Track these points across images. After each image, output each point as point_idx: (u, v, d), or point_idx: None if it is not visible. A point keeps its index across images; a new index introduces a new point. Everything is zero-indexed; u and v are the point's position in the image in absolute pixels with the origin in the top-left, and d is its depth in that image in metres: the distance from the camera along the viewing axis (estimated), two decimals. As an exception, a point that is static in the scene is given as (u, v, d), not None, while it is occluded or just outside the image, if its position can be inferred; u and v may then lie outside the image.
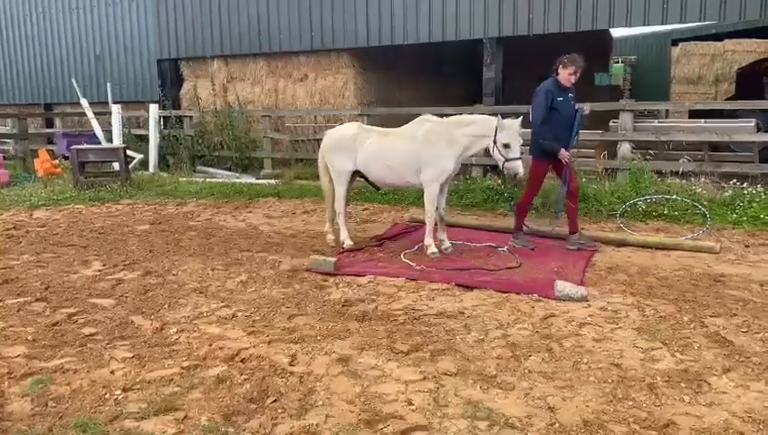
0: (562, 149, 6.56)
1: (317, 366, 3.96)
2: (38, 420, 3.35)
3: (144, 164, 14.04)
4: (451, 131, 6.48)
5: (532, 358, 4.05)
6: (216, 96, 15.04)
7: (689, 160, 9.74)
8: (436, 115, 6.91)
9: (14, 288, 5.74)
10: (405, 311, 4.97)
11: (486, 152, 6.59)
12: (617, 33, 21.89)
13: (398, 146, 6.71)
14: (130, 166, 12.74)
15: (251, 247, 7.26)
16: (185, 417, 3.36)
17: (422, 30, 12.11)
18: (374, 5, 12.57)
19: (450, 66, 15.85)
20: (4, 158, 13.55)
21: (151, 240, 7.69)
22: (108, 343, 4.41)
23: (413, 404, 3.45)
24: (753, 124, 9.57)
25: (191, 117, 14.68)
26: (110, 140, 13.89)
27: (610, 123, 10.56)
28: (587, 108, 6.84)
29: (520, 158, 6.25)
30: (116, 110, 13.94)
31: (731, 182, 8.78)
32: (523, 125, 6.45)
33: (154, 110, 14.31)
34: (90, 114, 14.20)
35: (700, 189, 8.62)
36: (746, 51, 18.84)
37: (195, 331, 4.64)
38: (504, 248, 6.82)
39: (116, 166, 11.98)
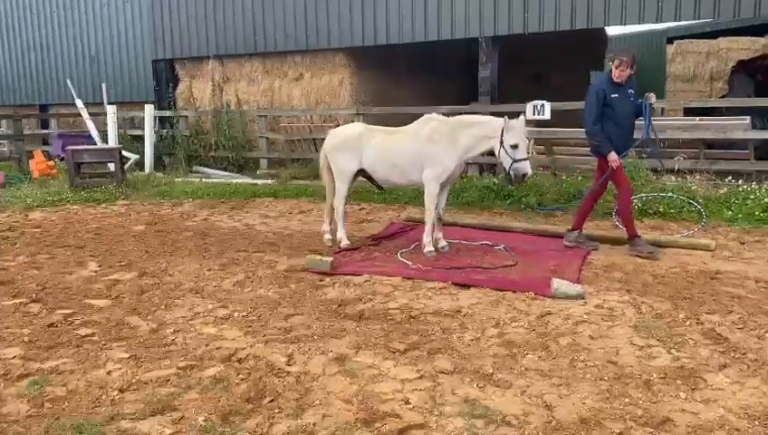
0: (612, 153, 6.35)
1: (314, 366, 3.96)
2: (34, 421, 3.34)
3: (140, 164, 14.02)
4: (455, 131, 6.45)
5: (528, 356, 4.06)
6: (212, 96, 15.03)
7: (685, 158, 9.77)
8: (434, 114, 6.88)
9: (10, 289, 5.72)
10: (401, 310, 4.97)
11: (490, 153, 6.55)
12: (612, 31, 21.90)
13: (402, 145, 6.69)
14: (126, 166, 12.72)
15: (247, 247, 7.25)
16: (182, 417, 3.35)
17: (417, 29, 12.12)
18: (369, 5, 12.56)
19: (446, 65, 15.85)
20: (-1, 159, 13.54)
21: (147, 241, 7.68)
22: (104, 344, 4.40)
23: (410, 403, 3.45)
24: (747, 122, 9.60)
25: (187, 117, 14.66)
26: (105, 140, 13.86)
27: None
28: (653, 96, 6.51)
29: (527, 158, 6.21)
30: (111, 110, 13.91)
31: (726, 179, 8.81)
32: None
33: (149, 110, 14.29)
34: (85, 115, 14.17)
35: (695, 187, 8.65)
36: (741, 48, 18.88)
37: (191, 331, 4.64)
38: (501, 247, 6.83)
39: (111, 166, 11.95)
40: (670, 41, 21.66)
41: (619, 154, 6.40)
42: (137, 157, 13.91)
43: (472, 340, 4.35)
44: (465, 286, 5.54)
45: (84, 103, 14.47)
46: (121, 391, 3.67)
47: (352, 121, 12.55)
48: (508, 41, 11.84)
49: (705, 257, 6.41)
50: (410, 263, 6.32)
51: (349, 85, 13.63)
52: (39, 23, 18.35)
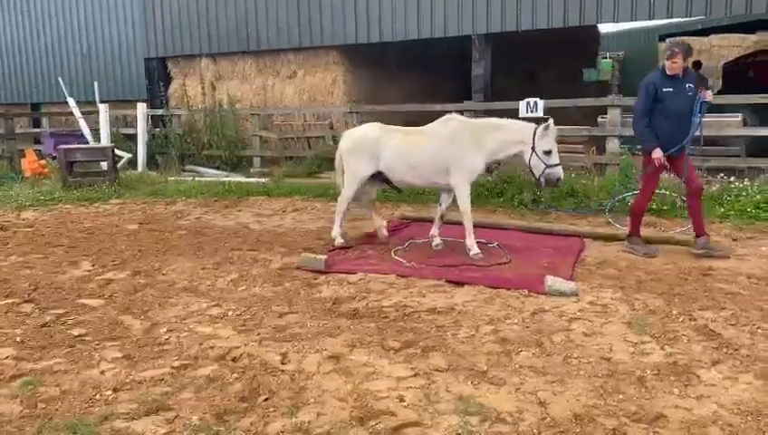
0: (656, 150, 6.10)
1: (308, 364, 3.95)
2: (27, 421, 3.32)
3: (132, 163, 13.96)
4: (479, 133, 6.31)
5: (522, 353, 4.07)
6: (205, 94, 14.99)
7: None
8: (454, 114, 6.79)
9: (2, 289, 5.69)
10: (396, 308, 4.97)
11: (513, 157, 6.40)
12: (604, 28, 21.98)
13: (421, 145, 6.51)
14: (119, 165, 12.66)
15: (241, 246, 7.23)
16: (176, 417, 3.34)
17: (410, 27, 12.12)
18: (362, 2, 12.56)
19: (439, 63, 15.87)
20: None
21: (141, 240, 7.65)
22: (97, 344, 4.39)
23: (405, 401, 3.45)
24: (739, 119, 9.64)
25: (179, 115, 14.62)
26: (97, 139, 13.80)
27: (599, 119, 10.62)
28: (709, 94, 6.18)
29: (560, 163, 6.15)
30: (103, 109, 13.85)
31: (718, 176, 8.85)
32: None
33: (142, 108, 14.24)
34: (77, 113, 14.10)
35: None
36: (732, 46, 18.97)
37: (185, 330, 4.63)
38: (494, 244, 6.83)
39: (104, 165, 11.91)
40: (662, 38, 21.75)
41: (666, 151, 6.12)
42: (129, 156, 13.86)
43: (466, 337, 4.35)
44: (460, 284, 5.54)
45: (76, 102, 14.40)
46: (115, 390, 3.65)
47: (345, 120, 12.63)
48: (501, 38, 11.86)
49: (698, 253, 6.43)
50: (404, 261, 6.32)
51: (342, 83, 13.62)
52: (30, 21, 18.24)
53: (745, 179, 8.72)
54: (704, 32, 20.03)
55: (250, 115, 13.84)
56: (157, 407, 3.43)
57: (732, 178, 8.77)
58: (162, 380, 3.79)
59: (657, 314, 4.71)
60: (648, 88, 6.13)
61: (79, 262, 6.66)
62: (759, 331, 4.35)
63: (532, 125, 6.18)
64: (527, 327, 4.52)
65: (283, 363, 3.98)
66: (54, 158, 12.80)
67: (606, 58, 24.12)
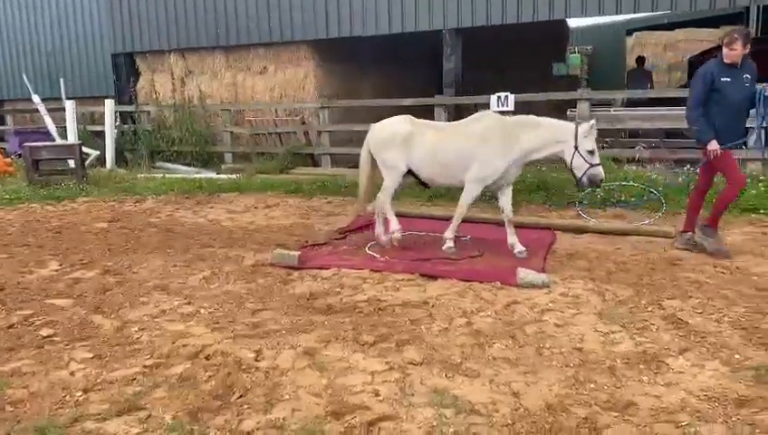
0: (713, 141, 5.79)
1: (283, 360, 3.94)
2: (-5, 425, 3.26)
3: (101, 160, 13.74)
4: (515, 131, 6.07)
5: (495, 345, 4.11)
6: (174, 90, 14.79)
7: (645, 148, 9.97)
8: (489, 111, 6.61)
9: (-33, 291, 5.56)
10: (370, 302, 4.98)
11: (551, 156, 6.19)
12: (573, 23, 22.21)
13: (452, 142, 6.26)
14: (86, 163, 12.46)
15: (213, 243, 7.17)
16: (149, 416, 3.30)
17: (381, 21, 12.10)
18: (333, -3, 12.50)
19: (411, 57, 15.87)
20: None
21: (110, 238, 7.53)
22: (67, 344, 4.31)
23: (380, 395, 3.46)
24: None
25: (148, 112, 14.40)
26: (64, 136, 13.54)
27: (568, 112, 10.73)
28: None
29: (600, 163, 6.00)
30: (70, 105, 13.59)
31: (685, 168, 9.01)
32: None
33: (110, 105, 14.00)
34: (42, 110, 13.82)
35: (656, 175, 8.83)
36: (697, 40, 19.33)
37: (157, 329, 4.57)
38: (467, 238, 6.87)
39: (71, 163, 11.69)
40: (630, 32, 22.09)
41: (723, 144, 5.84)
42: (98, 153, 13.63)
43: (440, 330, 4.38)
44: (433, 278, 5.56)
45: (42, 99, 14.11)
46: (85, 391, 3.59)
47: (318, 115, 12.58)
48: (472, 33, 11.91)
49: (666, 244, 6.56)
50: (378, 255, 6.33)
51: (313, 78, 13.54)
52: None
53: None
54: (669, 26, 20.37)
55: (221, 111, 13.71)
56: (129, 407, 3.39)
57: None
58: (134, 379, 3.74)
59: (627, 304, 4.79)
60: (705, 77, 5.83)
61: (46, 261, 6.53)
62: (725, 319, 4.45)
63: (572, 124, 6.02)
64: (500, 319, 4.56)
65: (256, 360, 3.96)
66: (20, 156, 12.54)
67: (575, 53, 24.39)
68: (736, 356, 3.84)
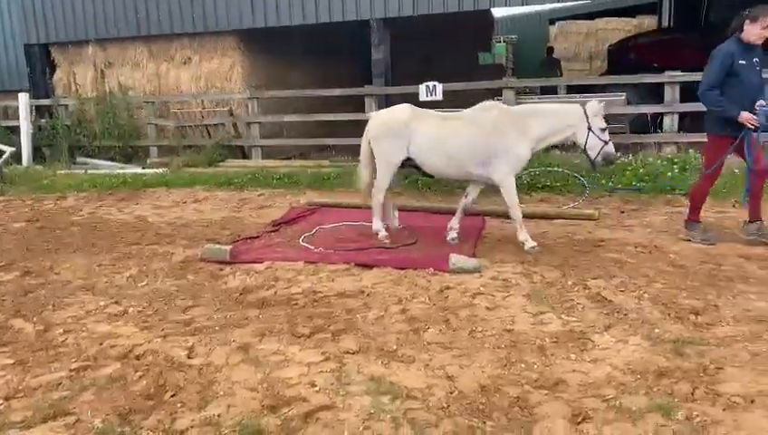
0: (743, 112, 5.46)
1: (216, 357, 3.87)
2: None
3: (16, 158, 13.05)
4: (524, 120, 5.93)
5: (430, 330, 4.17)
6: (94, 82, 14.18)
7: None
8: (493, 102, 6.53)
9: None
10: (305, 294, 4.96)
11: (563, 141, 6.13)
12: (498, 13, 22.65)
13: (460, 132, 6.03)
14: (0, 161, 11.82)
15: (140, 240, 6.95)
16: (76, 421, 3.19)
17: (308, 10, 11.97)
18: (258, -15, 12.26)
19: (340, 48, 15.80)
20: None
21: (29, 238, 7.19)
22: (-15, 351, 4.10)
23: (316, 386, 3.46)
24: (623, 98, 10.25)
25: (67, 105, 13.77)
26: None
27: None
28: None
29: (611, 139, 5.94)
30: (-20, 100, 12.84)
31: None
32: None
33: (24, 99, 13.31)
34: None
35: (579, 161, 9.13)
36: (616, 29, 20.10)
37: (83, 330, 4.41)
38: (401, 226, 6.91)
39: (-17, 161, 11.07)
40: (552, 22, 22.71)
41: (739, 133, 5.63)
42: (12, 150, 12.91)
43: (376, 318, 4.41)
44: (368, 267, 5.59)
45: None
46: (7, 399, 3.44)
47: (246, 105, 12.36)
48: (399, 23, 11.95)
49: (590, 226, 6.82)
50: (312, 247, 6.30)
51: (240, 69, 13.27)
52: None
53: (630, 155, 9.30)
54: (590, 16, 21.09)
55: (144, 103, 13.25)
56: (54, 412, 3.26)
57: (618, 154, 9.29)
58: (59, 384, 3.60)
59: (555, 286, 4.96)
60: (724, 59, 5.53)
61: (-41, 265, 6.17)
62: (645, 295, 4.67)
63: (578, 105, 5.97)
64: (434, 305, 4.63)
65: (189, 358, 3.88)
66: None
67: (500, 42, 24.88)
68: (656, 331, 4.04)
